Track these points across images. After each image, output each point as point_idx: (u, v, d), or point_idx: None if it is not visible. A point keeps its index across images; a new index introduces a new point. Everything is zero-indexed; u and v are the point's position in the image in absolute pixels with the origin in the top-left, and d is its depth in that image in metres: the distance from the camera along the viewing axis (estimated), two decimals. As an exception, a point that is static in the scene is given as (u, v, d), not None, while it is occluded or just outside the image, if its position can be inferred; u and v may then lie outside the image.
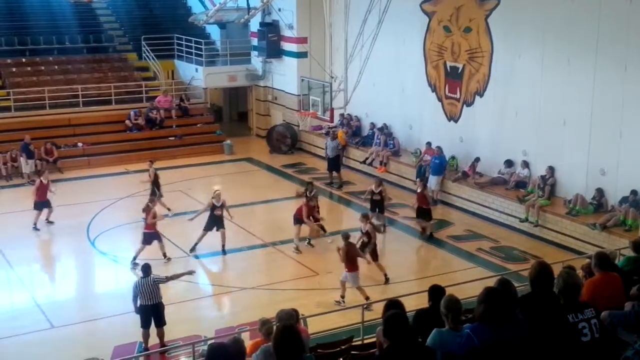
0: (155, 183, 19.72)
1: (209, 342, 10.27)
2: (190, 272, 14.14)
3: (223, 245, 17.01)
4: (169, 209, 19.32)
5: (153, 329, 12.55)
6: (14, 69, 27.47)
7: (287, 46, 27.22)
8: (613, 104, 17.06)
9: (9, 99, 25.48)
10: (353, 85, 22.03)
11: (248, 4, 27.32)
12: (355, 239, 15.30)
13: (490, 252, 17.34)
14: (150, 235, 16.30)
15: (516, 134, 19.81)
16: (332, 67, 23.17)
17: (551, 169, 18.61)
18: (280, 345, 5.21)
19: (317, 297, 14.81)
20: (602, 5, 17.10)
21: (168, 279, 12.86)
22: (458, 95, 21.58)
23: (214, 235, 16.97)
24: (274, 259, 17.26)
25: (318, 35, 26.17)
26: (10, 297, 15.65)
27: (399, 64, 23.40)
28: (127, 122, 26.24)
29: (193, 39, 28.47)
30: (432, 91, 22.46)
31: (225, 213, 17.19)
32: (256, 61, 28.71)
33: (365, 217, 15.81)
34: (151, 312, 12.46)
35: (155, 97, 27.41)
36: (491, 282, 6.08)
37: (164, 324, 12.60)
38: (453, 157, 21.48)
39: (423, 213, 18.29)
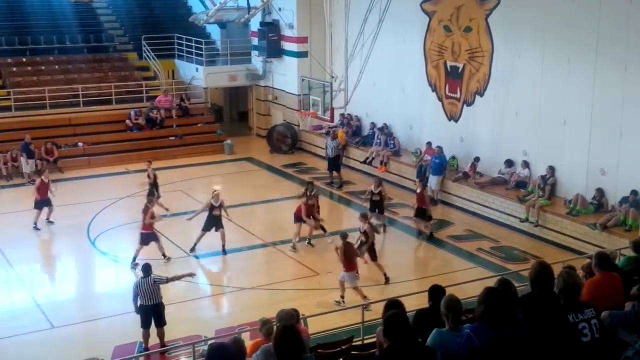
0: (154, 183, 19.73)
1: (209, 342, 10.28)
2: (191, 275, 14.14)
3: (223, 245, 17.00)
4: (166, 209, 19.31)
5: (153, 329, 12.55)
6: (14, 69, 27.48)
7: (288, 46, 27.22)
8: (613, 104, 17.06)
9: (9, 99, 25.49)
10: (353, 85, 22.04)
11: (248, 4, 27.31)
12: (355, 238, 15.32)
13: (491, 252, 17.34)
14: (147, 236, 16.29)
15: (516, 133, 19.81)
16: (333, 67, 23.18)
17: (551, 169, 18.60)
18: (280, 345, 5.22)
19: (317, 297, 14.81)
20: (602, 5, 17.10)
21: (168, 280, 12.85)
22: (458, 95, 21.58)
23: (214, 235, 16.97)
24: (274, 259, 17.26)
25: (318, 34, 26.17)
26: (10, 297, 15.65)
27: (399, 64, 23.40)
28: (127, 121, 26.25)
29: (193, 38, 28.49)
30: (433, 91, 22.46)
31: (223, 213, 17.20)
32: (256, 61, 28.72)
33: (364, 217, 15.85)
34: (151, 312, 12.46)
35: (156, 96, 27.41)
36: (491, 282, 6.08)
37: (164, 324, 12.60)
38: (453, 157, 21.48)
39: (422, 213, 18.30)
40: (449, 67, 21.76)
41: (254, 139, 28.87)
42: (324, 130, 25.51)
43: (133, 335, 12.80)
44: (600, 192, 17.42)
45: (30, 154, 23.03)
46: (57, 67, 28.09)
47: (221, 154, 26.29)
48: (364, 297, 13.89)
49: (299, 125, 26.20)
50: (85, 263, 17.49)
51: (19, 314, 14.38)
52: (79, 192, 21.64)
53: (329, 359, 9.22)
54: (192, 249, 17.05)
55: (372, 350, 8.62)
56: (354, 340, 10.28)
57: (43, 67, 27.89)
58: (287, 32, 26.90)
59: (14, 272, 16.35)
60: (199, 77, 28.37)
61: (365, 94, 23.47)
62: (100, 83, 27.18)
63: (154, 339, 12.56)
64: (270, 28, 27.38)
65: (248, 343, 8.52)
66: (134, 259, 16.17)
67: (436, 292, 7.20)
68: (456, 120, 21.78)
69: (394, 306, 6.60)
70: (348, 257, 14.32)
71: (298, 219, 17.47)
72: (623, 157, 17.07)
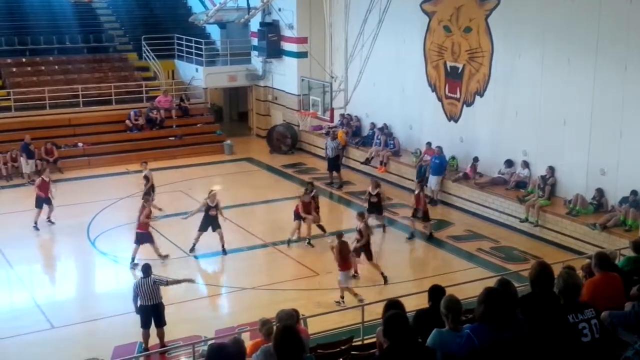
0: (151, 184, 19.69)
1: (209, 342, 10.29)
2: (190, 281, 14.21)
3: (223, 246, 16.99)
4: (159, 209, 19.21)
5: (153, 329, 12.55)
6: (14, 69, 27.48)
7: (287, 46, 27.22)
8: (613, 104, 17.06)
9: (9, 99, 25.50)
10: (353, 85, 22.04)
11: (248, 4, 27.32)
12: (352, 238, 15.36)
13: (490, 252, 17.34)
14: (142, 235, 16.29)
15: (516, 134, 19.81)
16: (332, 67, 23.18)
17: (551, 169, 18.60)
18: (280, 346, 5.22)
19: (317, 297, 14.81)
20: (602, 5, 17.10)
21: (168, 282, 12.87)
22: (458, 95, 21.58)
23: (213, 235, 16.95)
24: (274, 259, 17.26)
25: (318, 35, 26.17)
26: (10, 297, 15.66)
27: (399, 64, 23.40)
28: (127, 122, 26.25)
29: (193, 38, 28.49)
30: (432, 91, 22.46)
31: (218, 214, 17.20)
32: (256, 61, 28.72)
33: (361, 216, 15.92)
34: (151, 312, 12.47)
35: (156, 97, 27.41)
36: (491, 283, 6.08)
37: (164, 324, 12.60)
38: (453, 157, 21.48)
39: (415, 213, 18.27)
40: (448, 68, 21.76)
41: (253, 139, 28.87)
42: (323, 131, 25.51)
43: (133, 335, 12.80)
44: (600, 192, 17.42)
45: (30, 155, 23.03)
46: (57, 67, 28.09)
47: (221, 154, 26.29)
48: (355, 295, 14.03)
49: (298, 126, 26.19)
50: (85, 263, 17.49)
51: (19, 314, 14.37)
52: (79, 192, 21.64)
53: (328, 359, 9.23)
54: (192, 250, 17.05)
55: (372, 351, 8.62)
56: (354, 340, 10.27)
57: (43, 68, 27.89)
58: (287, 32, 26.90)
59: (14, 272, 16.35)
60: (199, 77, 28.36)
61: (365, 94, 23.47)
62: (100, 83, 27.18)
63: (154, 339, 12.56)
64: (270, 28, 27.38)
65: (248, 343, 8.52)
66: (133, 259, 16.19)
67: (436, 292, 7.20)
68: (456, 121, 21.78)
69: (394, 306, 6.60)
70: (343, 256, 14.42)
71: (297, 216, 17.60)
72: (623, 157, 17.07)
